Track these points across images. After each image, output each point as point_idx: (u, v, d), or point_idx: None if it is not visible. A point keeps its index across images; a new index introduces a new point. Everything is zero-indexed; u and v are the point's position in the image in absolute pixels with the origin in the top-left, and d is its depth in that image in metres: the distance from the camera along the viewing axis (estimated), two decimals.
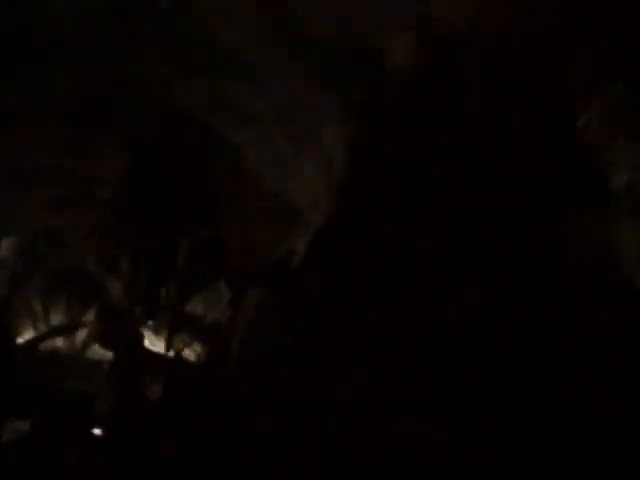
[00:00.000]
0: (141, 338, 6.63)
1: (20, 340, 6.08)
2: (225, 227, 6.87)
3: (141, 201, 6.90)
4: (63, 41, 6.38)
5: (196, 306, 6.83)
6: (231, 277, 6.71)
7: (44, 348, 6.20)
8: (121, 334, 6.69)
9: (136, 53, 6.37)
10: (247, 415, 4.92)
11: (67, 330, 6.49)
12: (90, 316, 6.90)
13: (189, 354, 6.51)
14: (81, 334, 6.78)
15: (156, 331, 6.78)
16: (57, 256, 6.59)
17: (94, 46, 6.51)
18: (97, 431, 5.14)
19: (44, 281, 6.46)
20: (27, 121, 6.79)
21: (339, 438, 4.95)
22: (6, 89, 6.77)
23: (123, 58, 6.44)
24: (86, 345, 6.76)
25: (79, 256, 6.83)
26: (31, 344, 6.09)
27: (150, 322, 6.83)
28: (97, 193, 6.87)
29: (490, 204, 5.08)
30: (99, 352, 6.66)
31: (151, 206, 6.89)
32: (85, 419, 5.18)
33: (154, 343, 6.67)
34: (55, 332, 6.38)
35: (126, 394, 5.31)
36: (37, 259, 6.48)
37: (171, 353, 6.53)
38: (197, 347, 6.52)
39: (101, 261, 6.85)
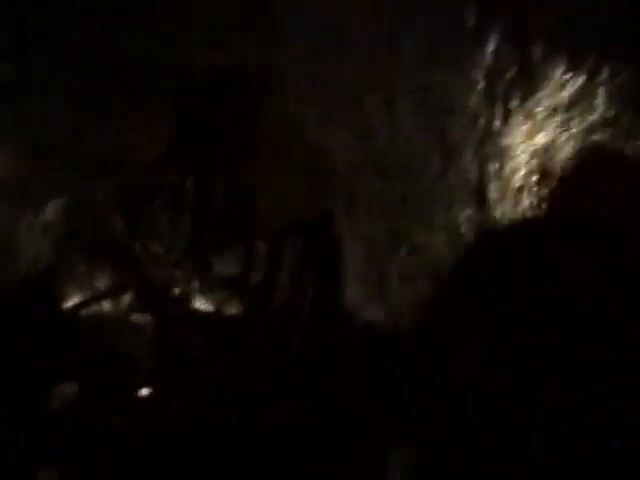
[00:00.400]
0: (187, 300, 6.65)
1: (66, 305, 6.11)
2: (258, 175, 6.82)
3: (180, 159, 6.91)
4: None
5: (233, 263, 6.83)
6: (265, 233, 6.68)
7: (90, 312, 6.23)
8: (164, 297, 6.71)
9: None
10: (288, 373, 4.92)
11: (112, 294, 6.51)
12: (133, 280, 6.93)
13: (228, 314, 6.51)
14: (125, 298, 6.80)
15: (199, 291, 6.80)
16: (99, 221, 6.61)
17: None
18: (144, 393, 5.16)
19: (89, 246, 6.50)
20: (59, 86, 6.82)
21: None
22: (42, 55, 6.80)
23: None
24: (130, 309, 6.79)
25: (119, 221, 6.85)
26: (77, 309, 6.11)
27: (193, 283, 6.85)
28: (131, 158, 6.88)
29: None
30: (143, 316, 6.68)
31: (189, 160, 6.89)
32: (132, 382, 5.19)
33: (197, 303, 6.69)
34: (100, 296, 6.41)
35: (172, 356, 5.32)
36: (81, 224, 6.51)
37: (212, 313, 6.55)
38: (235, 306, 6.52)
39: (140, 224, 6.87)
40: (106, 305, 6.47)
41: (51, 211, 6.10)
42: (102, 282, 6.74)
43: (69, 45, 6.76)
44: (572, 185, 5.74)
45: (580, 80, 6.00)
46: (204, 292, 6.83)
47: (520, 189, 6.10)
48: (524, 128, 6.10)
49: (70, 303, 6.10)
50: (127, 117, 6.78)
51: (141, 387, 5.17)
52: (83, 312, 6.05)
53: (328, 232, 5.77)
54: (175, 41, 6.76)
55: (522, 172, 6.10)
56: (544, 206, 5.90)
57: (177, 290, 6.75)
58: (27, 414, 4.79)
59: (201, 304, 6.76)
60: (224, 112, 6.96)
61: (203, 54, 6.81)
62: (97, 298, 6.32)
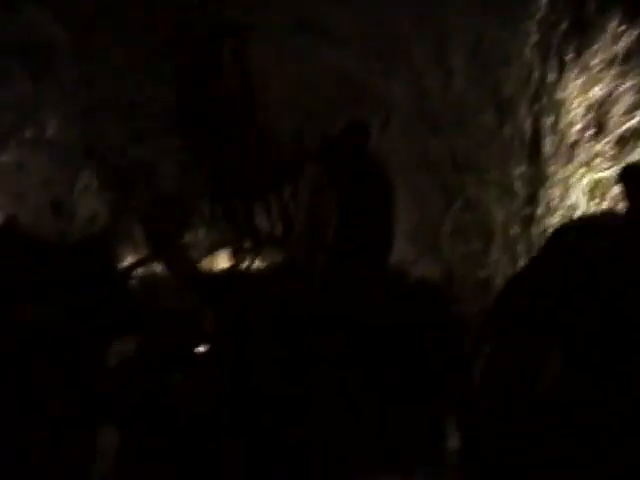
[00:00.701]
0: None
1: (122, 265, 6.19)
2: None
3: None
4: None
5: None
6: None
7: (144, 272, 6.30)
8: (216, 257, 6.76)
9: None
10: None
11: (166, 252, 6.58)
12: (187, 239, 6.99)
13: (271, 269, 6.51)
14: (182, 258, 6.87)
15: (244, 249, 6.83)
16: (152, 183, 6.66)
17: None
18: (201, 349, 5.21)
19: (142, 207, 6.56)
20: (106, 53, 6.87)
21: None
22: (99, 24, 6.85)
23: None
24: (185, 269, 6.86)
25: (170, 182, 6.91)
26: (132, 268, 6.19)
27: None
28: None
29: None
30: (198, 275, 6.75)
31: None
32: (189, 339, 5.25)
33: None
34: (154, 256, 6.48)
35: (227, 314, 5.36)
36: (135, 186, 6.57)
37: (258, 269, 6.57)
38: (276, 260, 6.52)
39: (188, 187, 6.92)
40: (159, 265, 6.54)
41: (106, 173, 6.17)
42: (153, 243, 6.83)
43: None
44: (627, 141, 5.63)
45: (636, 32, 5.86)
46: (248, 250, 6.87)
47: (574, 144, 6.00)
48: (579, 81, 5.98)
49: (125, 262, 6.19)
50: None
51: (197, 344, 5.23)
52: (138, 271, 6.13)
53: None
54: None
55: (577, 126, 5.99)
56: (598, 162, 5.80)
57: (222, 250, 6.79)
58: (86, 372, 4.87)
59: (245, 260, 6.80)
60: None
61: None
62: (150, 258, 6.39)
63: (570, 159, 6.01)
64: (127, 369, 5.05)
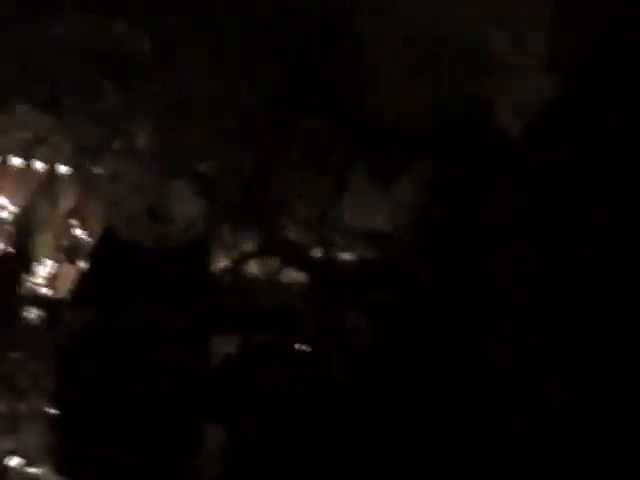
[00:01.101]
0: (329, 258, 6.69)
1: (219, 267, 6.25)
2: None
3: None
4: None
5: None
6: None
7: (241, 274, 6.36)
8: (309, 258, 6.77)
9: None
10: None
11: (259, 255, 6.63)
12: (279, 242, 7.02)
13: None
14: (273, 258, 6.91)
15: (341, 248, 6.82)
16: (245, 187, 6.72)
17: None
18: (302, 348, 5.24)
19: (236, 211, 6.62)
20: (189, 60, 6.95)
21: None
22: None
23: None
24: (278, 268, 6.89)
25: (257, 182, 6.93)
26: (228, 269, 6.24)
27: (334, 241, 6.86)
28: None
29: None
30: (291, 275, 6.77)
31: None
32: (290, 338, 5.29)
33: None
34: (248, 257, 6.53)
35: (326, 313, 5.38)
36: (225, 190, 6.63)
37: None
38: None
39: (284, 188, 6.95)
40: (254, 266, 6.59)
41: (200, 178, 6.25)
42: (248, 245, 6.87)
43: None
44: None
45: None
46: (346, 249, 6.86)
47: None
48: None
49: (221, 265, 6.25)
50: None
51: (298, 342, 5.26)
52: (234, 273, 6.18)
53: None
54: None
55: None
56: None
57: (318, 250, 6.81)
58: (189, 373, 4.94)
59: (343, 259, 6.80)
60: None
61: None
62: (245, 259, 6.44)
63: None
64: (230, 369, 5.10)
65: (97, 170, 7.47)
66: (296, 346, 5.19)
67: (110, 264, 4.73)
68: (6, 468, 5.64)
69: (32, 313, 6.45)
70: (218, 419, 5.12)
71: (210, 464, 5.15)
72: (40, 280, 8.04)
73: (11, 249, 8.89)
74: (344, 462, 4.96)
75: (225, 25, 6.76)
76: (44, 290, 7.74)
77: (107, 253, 4.79)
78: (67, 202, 9.23)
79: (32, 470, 5.80)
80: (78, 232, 9.04)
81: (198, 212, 6.04)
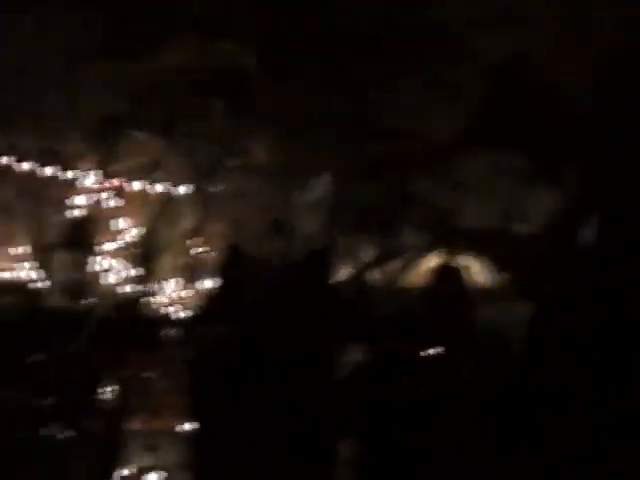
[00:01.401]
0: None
1: (339, 277, 6.29)
2: None
3: None
4: None
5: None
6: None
7: (363, 282, 6.38)
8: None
9: None
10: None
11: (380, 263, 6.64)
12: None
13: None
14: (392, 265, 6.91)
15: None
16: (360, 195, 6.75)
17: None
18: (430, 353, 5.20)
19: (354, 217, 6.66)
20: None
21: None
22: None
23: None
24: (399, 275, 6.89)
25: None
26: (351, 279, 6.28)
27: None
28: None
29: None
30: (412, 280, 6.76)
31: None
32: (416, 343, 5.26)
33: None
34: (370, 265, 6.55)
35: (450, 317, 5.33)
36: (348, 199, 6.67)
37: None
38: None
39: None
40: (375, 274, 6.60)
41: (319, 188, 6.30)
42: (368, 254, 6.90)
43: None
44: None
45: None
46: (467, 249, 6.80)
47: None
48: None
49: (344, 275, 6.28)
50: None
51: (425, 347, 5.23)
52: (357, 282, 6.21)
53: None
54: None
55: None
56: None
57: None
58: (320, 383, 4.96)
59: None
60: None
61: None
62: (367, 268, 6.46)
63: None
64: (360, 378, 5.11)
65: (215, 189, 7.62)
66: (423, 351, 5.16)
67: (237, 280, 4.80)
68: None
69: (162, 332, 6.61)
70: (351, 428, 5.13)
71: (344, 473, 5.17)
72: (167, 300, 8.25)
73: (138, 271, 9.17)
74: (476, 466, 4.91)
75: (334, 37, 6.81)
76: (172, 309, 7.94)
77: (233, 269, 4.86)
78: (187, 222, 9.45)
79: None
80: (199, 251, 9.25)
81: (319, 224, 6.09)
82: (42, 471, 5.23)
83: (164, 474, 5.93)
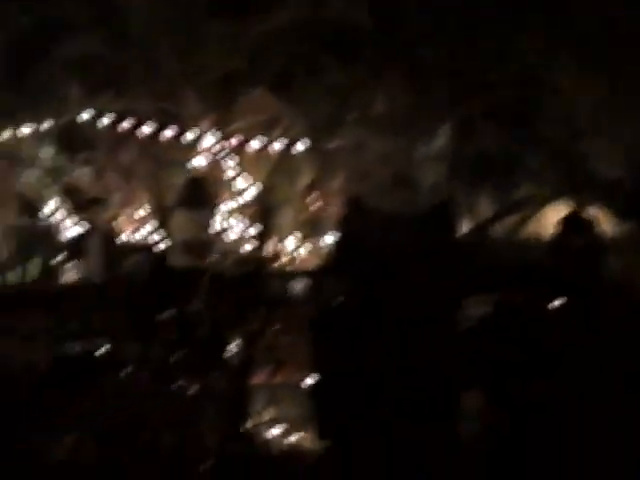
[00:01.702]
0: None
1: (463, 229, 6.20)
2: None
3: None
4: None
5: None
6: None
7: (485, 233, 6.29)
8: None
9: None
10: None
11: (502, 214, 6.53)
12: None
13: None
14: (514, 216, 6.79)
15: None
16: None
17: None
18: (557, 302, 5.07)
19: (476, 168, 6.55)
20: None
21: None
22: None
23: None
24: (521, 226, 6.77)
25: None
26: (476, 230, 6.20)
27: None
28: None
29: None
30: (536, 231, 6.62)
31: None
32: (542, 295, 5.13)
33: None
34: (493, 216, 6.45)
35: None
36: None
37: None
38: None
39: None
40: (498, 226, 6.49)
41: (440, 139, 6.21)
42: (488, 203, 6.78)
43: None
44: None
45: None
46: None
47: None
48: None
49: (465, 226, 6.19)
50: None
51: (551, 297, 5.10)
52: (480, 234, 6.12)
53: None
54: None
55: None
56: None
57: None
58: (439, 335, 4.89)
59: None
60: None
61: None
62: (490, 219, 6.35)
63: None
64: (483, 331, 5.02)
65: (334, 144, 7.59)
66: (548, 303, 5.03)
67: (358, 234, 4.77)
68: (269, 437, 5.87)
69: (284, 288, 6.66)
70: (473, 382, 5.06)
71: (469, 426, 5.11)
72: (287, 256, 8.33)
73: (257, 229, 9.28)
74: (602, 418, 4.77)
75: None
76: (293, 265, 8.01)
77: (355, 223, 4.83)
78: (306, 178, 9.48)
79: (293, 437, 6.01)
80: (318, 206, 9.29)
81: (440, 176, 6.01)
82: (171, 424, 5.36)
83: (286, 427, 6.01)
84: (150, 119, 8.99)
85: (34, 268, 7.96)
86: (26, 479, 4.01)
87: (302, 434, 6.01)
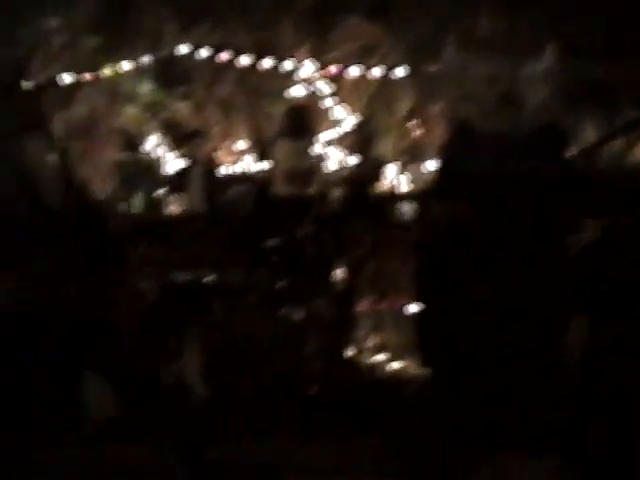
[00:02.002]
0: None
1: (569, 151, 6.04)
2: None
3: None
4: None
5: None
6: None
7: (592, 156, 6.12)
8: None
9: None
10: None
11: (608, 138, 6.35)
12: None
13: None
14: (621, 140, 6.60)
15: None
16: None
17: None
18: None
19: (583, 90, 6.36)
20: None
21: None
22: None
23: None
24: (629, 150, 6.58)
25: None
26: (582, 153, 6.03)
27: None
28: None
29: None
30: None
31: None
32: None
33: None
34: (599, 140, 6.28)
35: None
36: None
37: None
38: None
39: None
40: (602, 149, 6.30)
41: (545, 60, 6.01)
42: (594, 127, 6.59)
43: None
44: None
45: None
46: None
47: None
48: None
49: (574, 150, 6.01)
50: None
51: None
52: (588, 157, 5.95)
53: None
54: None
55: None
56: None
57: None
58: (548, 258, 4.81)
59: None
60: None
61: None
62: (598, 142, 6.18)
63: None
64: (591, 254, 4.93)
65: (435, 68, 7.45)
66: None
67: (463, 157, 4.69)
68: (375, 363, 5.92)
69: (388, 215, 6.65)
70: (582, 307, 4.98)
71: (571, 353, 5.04)
72: (390, 183, 8.29)
73: (358, 157, 9.24)
74: None
75: None
76: (396, 192, 7.98)
77: (460, 146, 4.75)
78: (406, 105, 9.37)
79: (397, 365, 6.05)
80: (419, 132, 9.18)
81: (546, 98, 5.83)
82: (276, 351, 5.44)
83: (390, 354, 6.04)
84: (247, 50, 8.98)
85: (138, 202, 8.12)
86: (138, 405, 4.15)
87: (406, 361, 6.03)
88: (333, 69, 8.80)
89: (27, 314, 3.97)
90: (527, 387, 4.34)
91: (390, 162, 8.52)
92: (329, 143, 8.69)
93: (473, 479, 3.83)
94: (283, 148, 6.70)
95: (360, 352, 5.90)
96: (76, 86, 9.13)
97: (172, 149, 9.63)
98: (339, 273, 5.90)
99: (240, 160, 9.54)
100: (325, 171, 7.92)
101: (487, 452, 3.97)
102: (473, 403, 4.26)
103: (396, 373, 5.97)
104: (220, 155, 9.36)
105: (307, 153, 6.70)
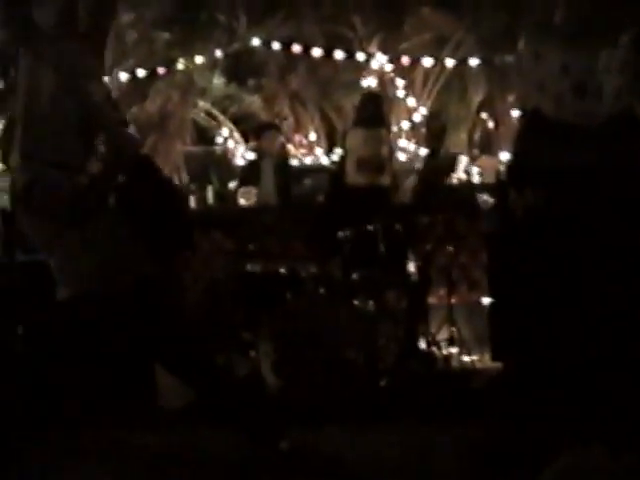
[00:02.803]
0: None
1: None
2: None
3: None
4: None
5: None
6: None
7: None
8: None
9: None
10: None
11: None
12: None
13: None
14: None
15: None
16: None
17: None
18: None
19: None
20: None
21: None
22: None
23: None
24: None
25: None
26: None
27: None
28: None
29: None
30: None
31: None
32: None
33: None
34: None
35: None
36: None
37: None
38: None
39: None
40: None
41: (623, 46, 5.90)
42: None
43: None
44: None
45: None
46: None
47: None
48: None
49: None
50: None
51: None
52: None
53: None
54: None
55: None
56: None
57: None
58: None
59: None
60: None
61: None
62: None
63: None
64: None
65: (507, 58, 7.38)
66: None
67: (538, 148, 4.65)
68: (446, 356, 5.90)
69: (459, 206, 6.60)
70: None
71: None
72: (461, 174, 8.24)
73: (430, 148, 9.23)
74: None
75: None
76: (468, 183, 7.93)
77: (534, 137, 4.71)
78: (477, 96, 9.31)
79: (469, 357, 6.03)
80: (491, 124, 9.12)
81: (624, 86, 5.73)
82: (349, 343, 5.46)
83: (462, 347, 6.01)
84: (318, 43, 9.02)
85: (211, 193, 8.23)
86: (212, 395, 4.20)
87: (477, 354, 6.01)
88: (405, 60, 8.78)
89: (105, 299, 4.03)
90: (605, 382, 4.29)
91: (462, 153, 8.48)
92: (401, 134, 8.69)
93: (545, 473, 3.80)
94: (356, 138, 6.69)
95: (431, 344, 5.87)
96: (150, 80, 9.29)
97: (244, 141, 9.75)
98: (411, 265, 5.89)
99: (312, 151, 9.61)
100: (398, 162, 7.92)
101: (559, 447, 3.93)
102: (545, 397, 4.23)
103: (468, 366, 5.94)
104: (292, 147, 9.43)
105: (380, 144, 6.69)
